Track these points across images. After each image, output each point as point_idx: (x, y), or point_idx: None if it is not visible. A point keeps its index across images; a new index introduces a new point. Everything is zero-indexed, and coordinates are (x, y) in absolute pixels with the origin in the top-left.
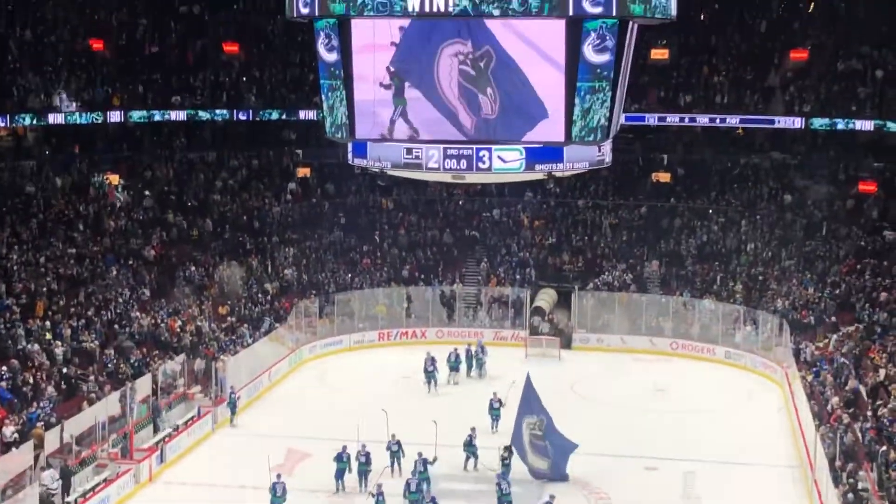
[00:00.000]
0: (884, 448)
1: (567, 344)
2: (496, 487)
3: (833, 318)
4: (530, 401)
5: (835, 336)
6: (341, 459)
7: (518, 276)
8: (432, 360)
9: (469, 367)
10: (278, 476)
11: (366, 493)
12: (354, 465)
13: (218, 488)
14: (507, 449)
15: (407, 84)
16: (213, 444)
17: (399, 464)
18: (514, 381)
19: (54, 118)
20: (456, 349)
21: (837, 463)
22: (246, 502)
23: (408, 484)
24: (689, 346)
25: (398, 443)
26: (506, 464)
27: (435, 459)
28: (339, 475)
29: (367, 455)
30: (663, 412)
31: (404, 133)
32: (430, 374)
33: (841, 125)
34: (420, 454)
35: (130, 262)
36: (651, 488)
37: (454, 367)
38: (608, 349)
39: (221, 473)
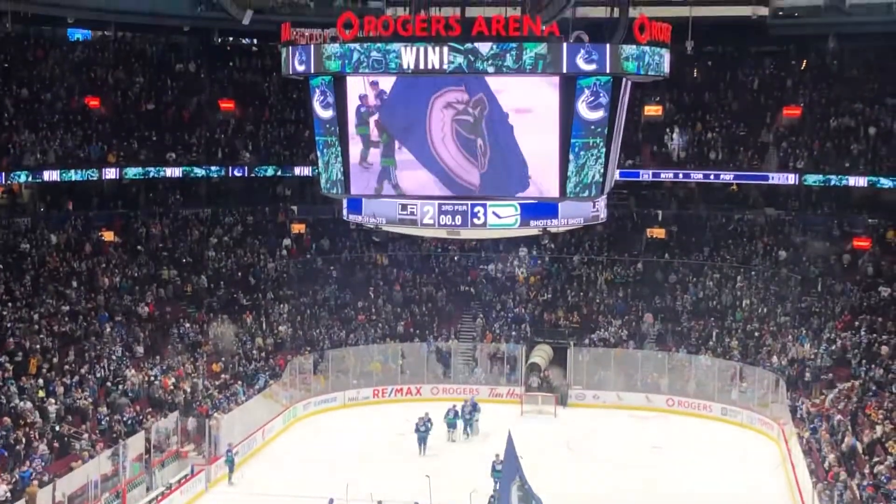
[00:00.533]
0: None
1: (563, 400)
2: None
3: (829, 375)
4: (513, 461)
5: (831, 393)
6: None
7: (514, 332)
8: (425, 422)
9: (464, 425)
10: None
11: None
12: None
13: None
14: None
15: (397, 144)
16: (207, 502)
17: None
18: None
19: (49, 175)
20: (454, 406)
21: None
22: None
23: None
24: (686, 403)
25: None
26: None
27: None
28: None
29: None
30: (659, 470)
31: (394, 191)
32: (422, 435)
33: (835, 181)
34: None
35: (123, 320)
36: None
37: (452, 424)
38: (604, 406)
39: None
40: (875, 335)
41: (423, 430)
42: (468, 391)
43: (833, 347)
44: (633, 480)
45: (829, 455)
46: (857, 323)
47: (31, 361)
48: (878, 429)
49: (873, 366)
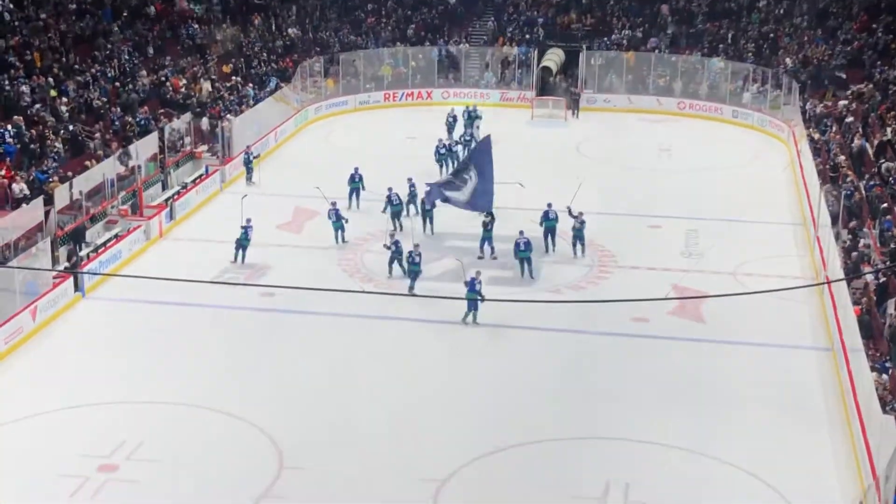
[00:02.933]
0: (885, 205)
1: (573, 105)
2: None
3: (843, 76)
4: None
5: (844, 94)
6: (335, 217)
7: (526, 36)
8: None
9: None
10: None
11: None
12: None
13: (227, 245)
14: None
15: None
16: (222, 202)
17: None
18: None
19: None
20: (453, 109)
21: (840, 220)
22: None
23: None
24: (697, 106)
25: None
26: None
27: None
28: (336, 230)
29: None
30: (668, 171)
31: None
32: (443, 158)
33: None
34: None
35: (129, 17)
36: (654, 246)
37: (451, 128)
38: (615, 109)
39: (230, 231)
40: (891, 36)
41: (442, 151)
42: (479, 96)
43: (848, 48)
44: (641, 182)
45: (838, 156)
46: (874, 24)
47: (35, 56)
48: (889, 130)
49: (887, 67)
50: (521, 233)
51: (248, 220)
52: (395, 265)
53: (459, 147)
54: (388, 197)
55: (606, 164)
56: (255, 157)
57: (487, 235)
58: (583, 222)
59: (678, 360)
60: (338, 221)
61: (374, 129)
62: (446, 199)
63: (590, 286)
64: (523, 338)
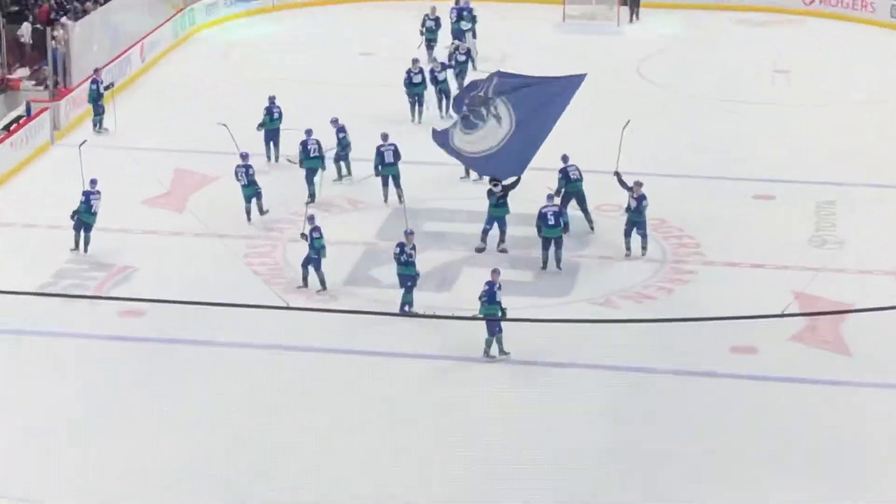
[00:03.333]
0: None
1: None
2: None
3: None
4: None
5: None
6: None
7: None
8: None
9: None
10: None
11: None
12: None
13: (63, 230)
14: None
15: None
16: (54, 160)
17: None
18: (628, 121)
19: None
20: (434, 9)
21: None
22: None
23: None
24: (833, 0)
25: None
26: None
27: None
28: (249, 199)
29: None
30: (786, 107)
31: None
32: (417, 91)
33: None
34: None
35: None
36: (764, 230)
37: (431, 34)
38: (699, 5)
39: (67, 206)
40: None
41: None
42: None
43: None
44: (741, 122)
45: None
46: None
47: None
48: None
49: None
50: (550, 198)
51: (94, 183)
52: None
53: (448, 74)
54: (304, 144)
55: (684, 97)
56: (107, 88)
57: (499, 213)
58: (643, 198)
59: (805, 411)
60: (250, 186)
61: (303, 41)
62: (452, 150)
63: (661, 295)
64: (556, 379)
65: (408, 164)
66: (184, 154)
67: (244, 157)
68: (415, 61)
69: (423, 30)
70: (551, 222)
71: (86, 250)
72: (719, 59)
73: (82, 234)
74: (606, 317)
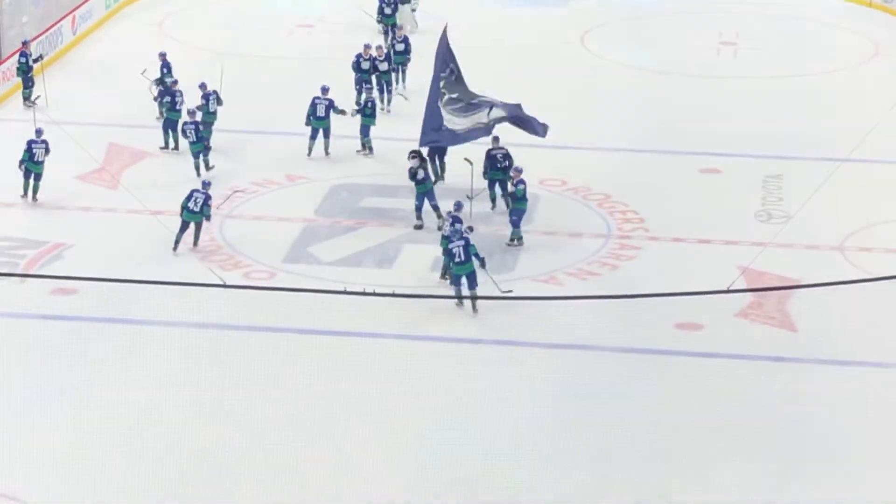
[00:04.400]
0: None
1: None
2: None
3: None
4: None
5: None
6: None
7: None
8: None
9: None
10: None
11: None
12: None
13: None
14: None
15: None
16: None
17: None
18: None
19: None
20: None
21: None
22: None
23: None
24: None
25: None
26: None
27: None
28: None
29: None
30: (733, 79)
31: None
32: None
33: None
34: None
35: None
36: (710, 204)
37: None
38: None
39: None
40: None
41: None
42: None
43: None
44: (688, 94)
45: None
46: None
47: None
48: None
49: None
50: (457, 214)
51: (39, 132)
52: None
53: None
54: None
55: (630, 69)
56: (35, 61)
57: (424, 190)
58: (521, 183)
59: (750, 388)
60: (198, 142)
61: (241, 11)
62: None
63: (605, 272)
64: (500, 357)
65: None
66: (117, 129)
67: (192, 112)
68: (366, 46)
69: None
70: (459, 259)
71: (34, 198)
72: (665, 31)
73: (31, 182)
74: (551, 294)
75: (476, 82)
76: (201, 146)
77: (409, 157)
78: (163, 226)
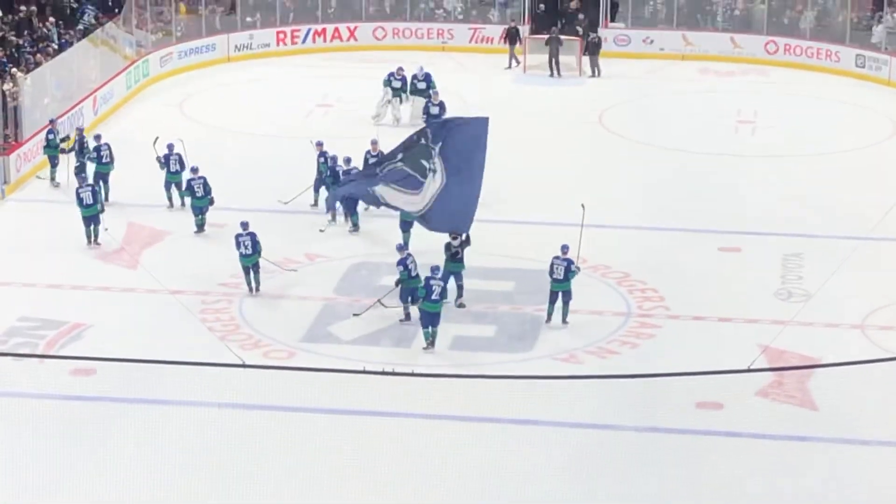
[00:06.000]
0: None
1: (593, 49)
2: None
3: None
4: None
5: None
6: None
7: None
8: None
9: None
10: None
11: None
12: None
13: (6, 289)
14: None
15: None
16: (4, 217)
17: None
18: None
19: None
20: (400, 69)
21: None
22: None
23: None
24: (797, 49)
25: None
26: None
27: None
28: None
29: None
30: (751, 158)
31: None
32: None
33: None
34: None
35: None
36: (729, 283)
37: (398, 92)
38: (661, 56)
39: (20, 271)
40: None
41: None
42: (435, 34)
43: None
44: (706, 172)
45: None
46: None
47: None
48: None
49: None
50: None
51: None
52: None
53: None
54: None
55: (646, 148)
56: (63, 140)
57: (455, 267)
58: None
59: (771, 467)
60: (204, 197)
61: (258, 93)
62: (377, 201)
63: (625, 350)
64: (520, 436)
65: None
66: (136, 208)
67: (195, 170)
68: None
69: (390, 88)
70: (436, 297)
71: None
72: (683, 110)
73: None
74: (570, 373)
75: (493, 158)
76: (207, 201)
77: (451, 238)
78: (182, 305)
